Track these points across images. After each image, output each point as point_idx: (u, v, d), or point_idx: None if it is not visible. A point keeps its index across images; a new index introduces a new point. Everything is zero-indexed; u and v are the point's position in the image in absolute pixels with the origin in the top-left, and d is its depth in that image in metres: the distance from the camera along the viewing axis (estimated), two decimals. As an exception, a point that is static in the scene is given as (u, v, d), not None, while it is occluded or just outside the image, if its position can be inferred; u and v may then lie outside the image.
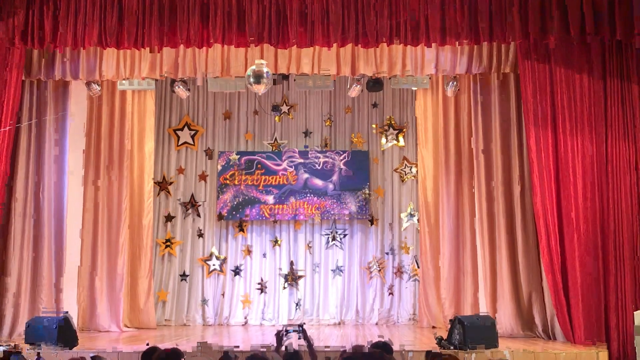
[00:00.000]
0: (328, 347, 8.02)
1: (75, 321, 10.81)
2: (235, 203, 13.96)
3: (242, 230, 14.10)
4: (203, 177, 14.27)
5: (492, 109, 11.48)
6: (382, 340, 6.36)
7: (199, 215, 14.19)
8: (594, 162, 10.04)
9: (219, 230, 14.19)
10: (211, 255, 14.02)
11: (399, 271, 13.86)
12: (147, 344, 6.67)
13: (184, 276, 13.97)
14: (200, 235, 14.13)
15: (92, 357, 6.24)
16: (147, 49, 10.48)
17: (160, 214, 14.10)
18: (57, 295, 11.32)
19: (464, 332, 9.03)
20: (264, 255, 14.09)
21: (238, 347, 8.48)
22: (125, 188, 12.57)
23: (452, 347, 9.05)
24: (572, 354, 8.82)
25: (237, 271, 14.01)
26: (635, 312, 9.24)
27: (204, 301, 13.89)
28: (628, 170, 9.93)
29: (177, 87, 12.14)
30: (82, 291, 12.17)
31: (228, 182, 13.98)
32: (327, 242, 14.11)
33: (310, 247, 14.10)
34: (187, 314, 13.83)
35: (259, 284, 13.92)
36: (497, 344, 9.13)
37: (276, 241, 14.11)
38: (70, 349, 9.10)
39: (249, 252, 14.06)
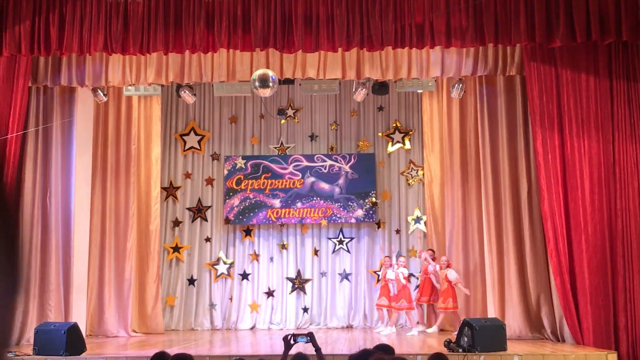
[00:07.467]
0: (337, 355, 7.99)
1: (83, 327, 10.81)
2: (242, 207, 13.96)
3: (249, 234, 14.11)
4: (210, 181, 14.30)
5: (498, 112, 11.44)
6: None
7: (206, 220, 14.20)
8: (601, 163, 10.00)
9: (226, 235, 14.21)
10: (218, 259, 14.03)
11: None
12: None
13: (191, 281, 14.00)
14: (208, 240, 14.15)
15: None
16: (153, 54, 10.51)
17: (167, 219, 14.14)
18: (66, 301, 11.33)
19: (473, 335, 9.01)
20: (271, 259, 14.10)
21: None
22: (132, 194, 12.59)
23: (460, 350, 9.02)
24: (581, 355, 8.77)
25: (244, 276, 14.01)
26: None
27: (212, 306, 13.90)
28: (636, 172, 9.90)
29: (183, 92, 12.17)
30: (90, 297, 12.19)
31: (234, 186, 13.99)
32: (334, 246, 14.10)
33: (317, 251, 14.09)
34: (195, 318, 13.85)
35: (267, 289, 13.94)
36: (505, 347, 9.10)
37: (283, 245, 14.11)
38: (79, 355, 9.10)
39: (256, 256, 14.06)
